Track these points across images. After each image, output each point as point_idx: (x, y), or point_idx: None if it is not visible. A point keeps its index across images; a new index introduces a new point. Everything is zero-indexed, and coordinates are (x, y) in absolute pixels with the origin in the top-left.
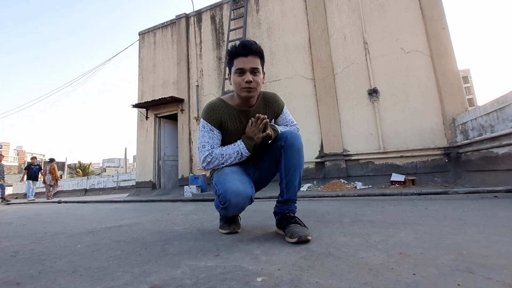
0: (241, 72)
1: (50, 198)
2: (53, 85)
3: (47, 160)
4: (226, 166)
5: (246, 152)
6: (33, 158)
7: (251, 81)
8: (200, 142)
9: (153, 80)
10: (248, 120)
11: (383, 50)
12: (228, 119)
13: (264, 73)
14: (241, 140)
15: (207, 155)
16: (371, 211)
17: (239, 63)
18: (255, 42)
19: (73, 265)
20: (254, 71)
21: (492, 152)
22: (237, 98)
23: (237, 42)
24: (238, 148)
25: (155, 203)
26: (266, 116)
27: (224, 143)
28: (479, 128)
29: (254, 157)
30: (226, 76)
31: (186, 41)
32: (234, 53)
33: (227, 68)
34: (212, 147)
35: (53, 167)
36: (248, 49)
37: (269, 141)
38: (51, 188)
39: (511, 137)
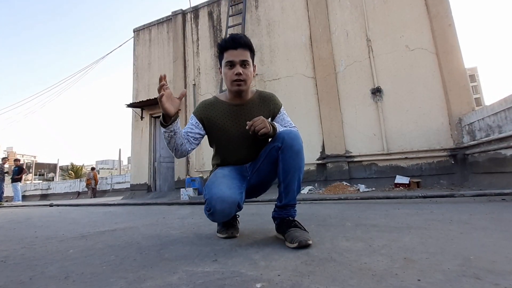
0: (231, 65)
1: (93, 196)
2: (44, 84)
3: (90, 168)
4: (218, 168)
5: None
6: (16, 160)
7: (240, 73)
8: None
9: (149, 78)
10: (240, 115)
11: (387, 47)
12: (215, 114)
13: (254, 66)
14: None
15: None
16: (375, 215)
17: (228, 56)
18: (244, 35)
19: (65, 271)
20: (244, 63)
21: (500, 153)
22: (229, 93)
23: (227, 36)
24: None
25: (150, 206)
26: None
27: (214, 140)
28: (486, 128)
29: (251, 158)
30: (219, 71)
31: (182, 39)
32: (224, 46)
33: (218, 62)
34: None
35: (95, 174)
36: (237, 42)
37: (269, 139)
38: (93, 189)
39: None
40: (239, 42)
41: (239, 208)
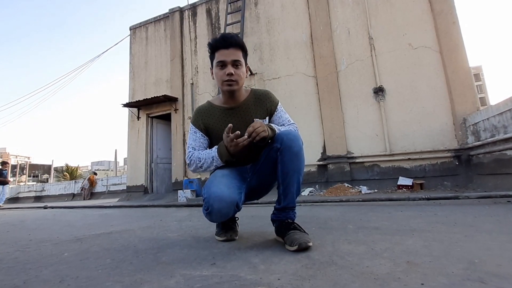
0: (222, 65)
1: (86, 198)
2: (38, 83)
3: (92, 172)
4: (218, 168)
5: (218, 161)
6: (5, 163)
7: (232, 74)
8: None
9: (145, 77)
10: (235, 119)
11: (390, 46)
12: (212, 121)
13: (247, 67)
14: (217, 146)
15: (188, 158)
16: (377, 217)
17: (220, 55)
18: (236, 34)
19: (60, 275)
20: (235, 63)
21: (505, 154)
22: (222, 95)
23: (218, 35)
24: (214, 154)
25: (147, 208)
26: (259, 122)
27: (214, 144)
28: (491, 128)
29: (252, 160)
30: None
31: (180, 37)
32: (215, 46)
33: (210, 62)
34: (193, 148)
35: (91, 176)
36: (228, 42)
37: (268, 141)
38: (86, 190)
39: None
40: (230, 41)
41: (238, 208)
